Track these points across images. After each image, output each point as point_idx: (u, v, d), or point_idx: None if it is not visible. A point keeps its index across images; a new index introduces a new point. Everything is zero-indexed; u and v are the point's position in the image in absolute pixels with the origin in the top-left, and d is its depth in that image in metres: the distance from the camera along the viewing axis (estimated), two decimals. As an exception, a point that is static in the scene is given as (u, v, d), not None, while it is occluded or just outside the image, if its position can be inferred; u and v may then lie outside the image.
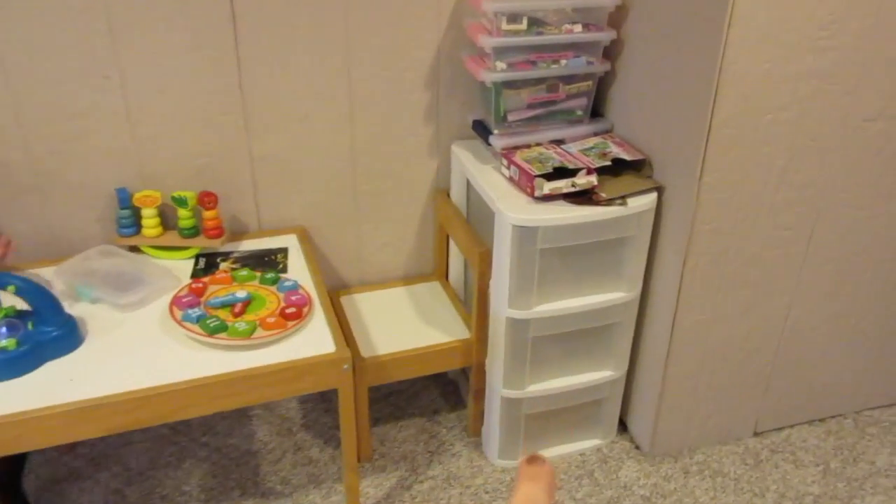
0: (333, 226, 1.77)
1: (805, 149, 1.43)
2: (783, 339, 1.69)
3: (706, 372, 1.67)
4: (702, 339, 1.61)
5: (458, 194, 1.75)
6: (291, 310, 1.40)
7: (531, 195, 1.47)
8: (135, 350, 1.33)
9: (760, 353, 1.69)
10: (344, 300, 1.82)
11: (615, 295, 1.56)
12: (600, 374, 1.67)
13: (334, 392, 1.86)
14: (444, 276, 1.91)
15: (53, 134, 1.48)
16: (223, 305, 1.40)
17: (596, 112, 1.70)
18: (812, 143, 1.43)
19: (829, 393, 1.84)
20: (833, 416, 1.90)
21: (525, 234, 1.43)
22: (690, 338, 1.60)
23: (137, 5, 1.42)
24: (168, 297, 1.44)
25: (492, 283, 1.54)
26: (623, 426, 1.84)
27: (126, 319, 1.41)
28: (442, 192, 1.80)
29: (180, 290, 1.45)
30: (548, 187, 1.45)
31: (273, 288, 1.48)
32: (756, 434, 1.84)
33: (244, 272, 1.51)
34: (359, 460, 1.74)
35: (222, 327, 1.34)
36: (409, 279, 1.90)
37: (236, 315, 1.38)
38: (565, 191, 1.45)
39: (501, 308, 1.52)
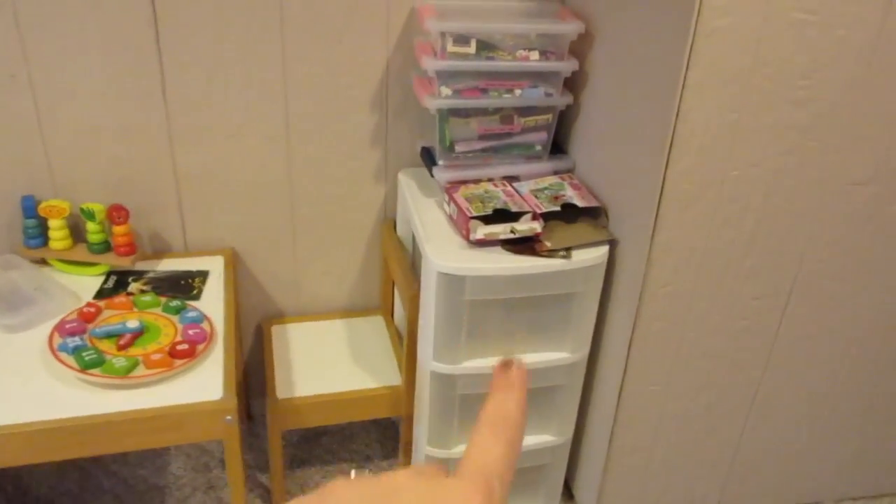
0: (268, 250, 1.63)
1: (779, 211, 1.25)
2: (751, 417, 1.50)
3: (660, 446, 1.48)
4: (654, 411, 1.43)
5: (403, 227, 1.60)
6: (183, 346, 1.26)
7: (466, 238, 1.31)
8: (4, 379, 1.20)
9: (724, 430, 1.50)
10: (276, 330, 1.68)
11: (558, 355, 1.39)
12: (541, 438, 1.50)
13: (262, 424, 1.72)
14: (390, 313, 1.75)
15: (-46, 132, 1.37)
16: (108, 336, 1.27)
17: (560, 148, 1.53)
18: (788, 205, 1.24)
19: (805, 477, 1.64)
20: (809, 504, 1.70)
21: (452, 283, 1.27)
22: (640, 408, 1.42)
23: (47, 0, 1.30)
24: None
25: (419, 331, 1.38)
26: (570, 493, 1.67)
27: (8, 341, 1.29)
28: (389, 222, 1.65)
29: (69, 314, 1.32)
30: (482, 231, 1.29)
31: (175, 318, 1.34)
32: (718, 516, 1.65)
33: (147, 297, 1.38)
34: (273, 507, 1.60)
35: (98, 362, 1.20)
36: (351, 312, 1.75)
37: (120, 348, 1.25)
38: (503, 237, 1.29)
39: (426, 360, 1.36)
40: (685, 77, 1.09)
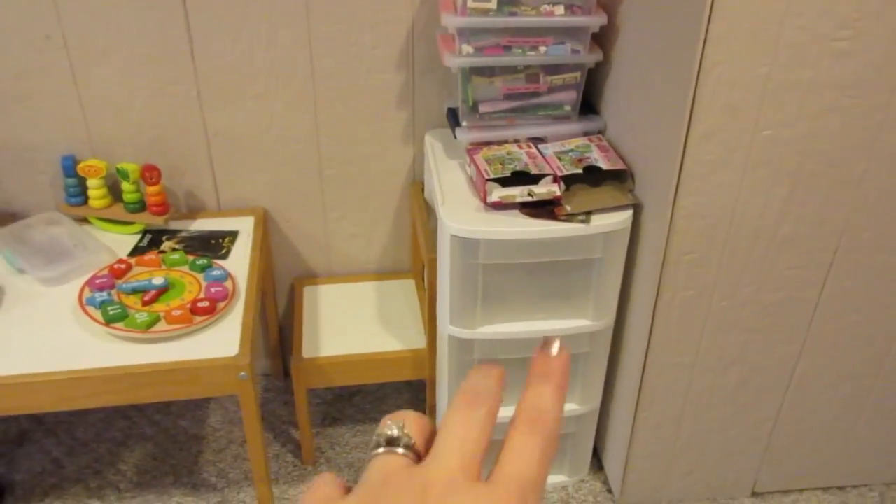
0: (298, 210, 1.64)
1: (817, 177, 1.16)
2: (788, 395, 1.42)
3: (688, 421, 1.43)
4: (681, 385, 1.37)
5: (430, 189, 1.57)
6: (204, 304, 1.29)
7: (484, 201, 1.27)
8: (37, 329, 1.26)
9: (758, 408, 1.43)
10: (307, 290, 1.70)
11: (581, 322, 1.35)
12: (566, 406, 1.47)
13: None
14: (421, 276, 1.74)
15: (-3, 93, 1.43)
16: (135, 291, 1.31)
17: (592, 108, 1.47)
18: (827, 170, 1.15)
19: (849, 459, 1.55)
20: (855, 486, 1.61)
21: (465, 246, 1.24)
22: (665, 380, 1.36)
23: (77, -38, 1.33)
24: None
25: (437, 295, 1.37)
26: (599, 464, 1.64)
27: (45, 294, 1.35)
28: (417, 184, 1.63)
29: (101, 270, 1.37)
30: (498, 194, 1.25)
31: (200, 276, 1.38)
32: (754, 494, 1.58)
33: (176, 255, 1.42)
34: (302, 462, 1.64)
35: (121, 316, 1.25)
36: (382, 274, 1.75)
37: (145, 304, 1.29)
38: (519, 199, 1.25)
39: (444, 325, 1.35)
40: (707, 28, 1.02)
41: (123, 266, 1.37)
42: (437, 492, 0.28)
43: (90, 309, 1.27)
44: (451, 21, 1.28)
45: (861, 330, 1.35)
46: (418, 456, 0.31)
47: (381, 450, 0.30)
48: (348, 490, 0.30)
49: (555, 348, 0.33)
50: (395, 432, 0.31)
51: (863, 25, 1.03)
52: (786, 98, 1.08)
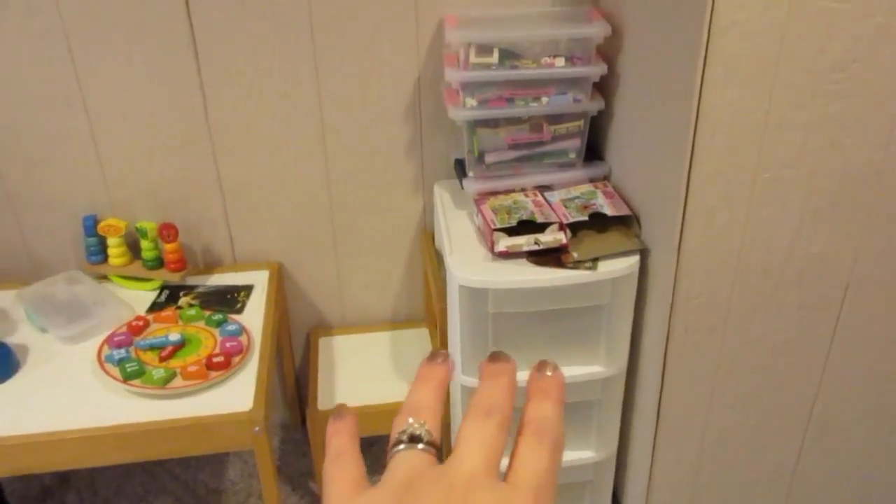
0: (311, 261, 1.67)
1: (822, 214, 1.16)
2: (808, 436, 1.39)
3: (707, 464, 1.41)
4: (696, 427, 1.36)
5: (440, 239, 1.60)
6: (219, 358, 1.31)
7: (491, 250, 1.29)
8: (57, 388, 1.29)
9: (778, 449, 1.41)
10: (322, 341, 1.72)
11: (593, 368, 1.35)
12: (583, 454, 1.46)
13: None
14: (435, 325, 1.75)
15: (21, 156, 1.49)
16: (152, 348, 1.34)
17: (597, 154, 1.49)
18: (831, 208, 1.15)
19: (873, 501, 1.51)
20: (886, 530, 1.56)
21: (474, 296, 1.26)
22: (681, 424, 1.35)
23: (96, 30, 1.39)
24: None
25: (449, 344, 1.38)
26: (620, 511, 1.61)
27: (65, 352, 1.38)
28: (428, 234, 1.65)
29: (120, 327, 1.40)
30: (505, 243, 1.27)
31: (216, 331, 1.40)
32: (782, 540, 1.54)
33: (192, 311, 1.45)
34: (320, 515, 1.63)
35: (138, 373, 1.27)
36: (396, 324, 1.77)
37: (162, 359, 1.31)
38: (526, 248, 1.27)
39: (456, 374, 1.36)
40: (703, 75, 1.04)
41: (141, 323, 1.40)
42: (462, 489, 0.30)
43: (109, 366, 1.30)
44: (454, 76, 1.32)
45: (878, 367, 1.33)
46: (437, 449, 0.32)
47: (402, 447, 0.32)
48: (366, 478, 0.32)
49: (549, 371, 0.36)
50: (416, 430, 0.32)
51: (857, 67, 1.05)
52: (785, 139, 1.09)
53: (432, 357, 0.37)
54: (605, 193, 1.37)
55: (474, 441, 0.32)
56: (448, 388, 0.36)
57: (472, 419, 0.33)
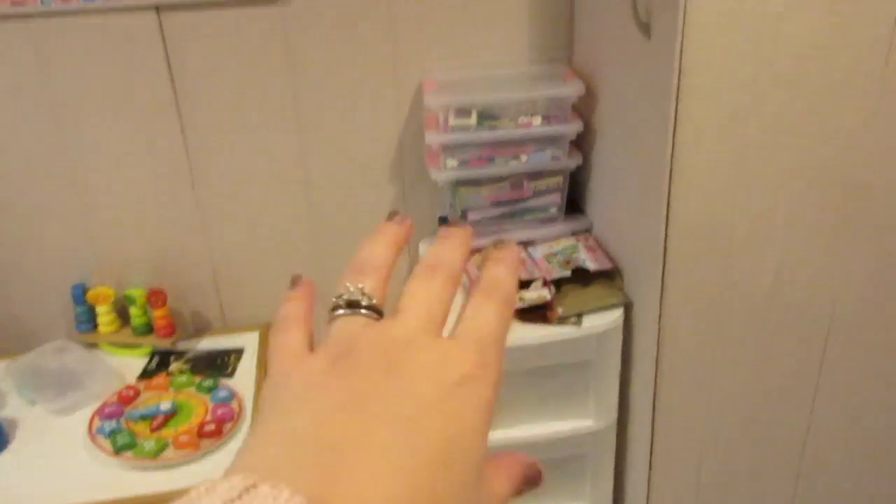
0: (302, 322, 1.68)
1: (801, 261, 1.18)
2: (801, 480, 1.40)
3: (703, 515, 1.41)
4: (690, 478, 1.36)
5: (428, 294, 1.61)
6: (210, 427, 1.31)
7: (477, 307, 1.30)
8: (48, 461, 1.29)
9: (774, 496, 1.40)
10: (314, 400, 1.71)
11: (581, 423, 1.35)
12: (578, 507, 1.46)
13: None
14: (426, 378, 1.76)
15: (9, 228, 1.50)
16: (143, 417, 1.34)
17: (578, 207, 1.51)
18: (809, 254, 1.18)
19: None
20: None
21: (461, 354, 1.26)
22: (673, 476, 1.35)
23: (83, 101, 1.42)
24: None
25: (439, 401, 1.38)
26: (619, 563, 1.60)
27: (56, 425, 1.38)
28: (416, 289, 1.67)
29: (110, 397, 1.40)
30: (490, 301, 1.28)
31: (207, 397, 1.40)
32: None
33: (183, 377, 1.45)
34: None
35: (130, 445, 1.27)
36: (387, 379, 1.77)
37: (153, 429, 1.31)
38: (511, 305, 1.28)
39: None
40: (674, 133, 1.07)
41: (132, 392, 1.40)
42: (401, 348, 0.28)
43: (100, 438, 1.29)
44: (434, 138, 1.35)
45: (864, 411, 1.34)
46: (379, 314, 0.31)
47: (341, 311, 0.31)
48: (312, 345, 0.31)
49: (503, 245, 0.35)
50: (354, 295, 0.31)
51: (824, 119, 1.08)
52: (758, 193, 1.12)
53: (390, 216, 0.35)
54: (587, 247, 1.39)
55: (418, 297, 0.31)
56: (402, 248, 0.35)
57: (418, 276, 0.32)
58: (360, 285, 0.31)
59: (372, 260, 0.34)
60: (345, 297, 0.31)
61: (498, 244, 0.35)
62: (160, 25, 1.36)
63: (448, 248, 0.33)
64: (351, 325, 0.30)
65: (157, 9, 1.35)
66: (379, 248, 0.34)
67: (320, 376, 0.28)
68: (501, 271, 0.33)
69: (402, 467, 0.25)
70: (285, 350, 0.31)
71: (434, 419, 0.26)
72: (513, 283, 0.33)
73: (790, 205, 1.13)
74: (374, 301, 0.31)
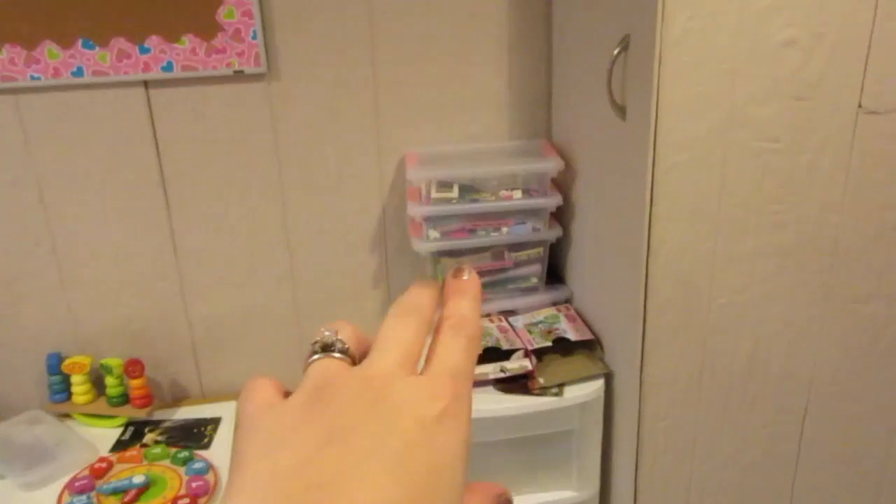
0: (281, 391, 1.66)
1: (777, 337, 1.20)
2: (785, 554, 1.39)
3: (687, 591, 1.38)
4: (674, 553, 1.34)
5: (409, 363, 1.61)
6: (185, 501, 1.28)
7: (459, 378, 1.30)
8: (14, 540, 1.24)
9: (757, 570, 1.39)
10: (292, 472, 1.68)
11: (564, 494, 1.34)
12: (560, 582, 1.43)
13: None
14: (406, 448, 1.73)
15: (-14, 298, 1.49)
16: (115, 492, 1.30)
17: (559, 277, 1.53)
18: (785, 329, 1.20)
19: None
20: None
21: (443, 426, 1.25)
22: (658, 551, 1.33)
23: (67, 173, 1.43)
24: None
25: (420, 474, 1.36)
26: None
27: (25, 500, 1.33)
28: (397, 357, 1.66)
29: (82, 471, 1.36)
30: (472, 372, 1.28)
31: (181, 469, 1.37)
32: None
33: (158, 449, 1.42)
34: None
35: (100, 522, 1.23)
36: (367, 449, 1.74)
37: (125, 505, 1.28)
38: (493, 376, 1.28)
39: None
40: (651, 212, 1.10)
41: (105, 464, 1.37)
42: (378, 384, 0.29)
43: (69, 515, 1.25)
44: (416, 210, 1.37)
45: (845, 481, 1.34)
46: (354, 361, 0.31)
47: (317, 356, 0.31)
48: (287, 394, 0.30)
49: (466, 275, 0.35)
50: (330, 339, 0.32)
51: (794, 199, 1.12)
52: (735, 267, 1.15)
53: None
54: (568, 317, 1.41)
55: (391, 339, 0.31)
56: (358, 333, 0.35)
57: (392, 318, 0.33)
58: (335, 332, 0.32)
59: (342, 322, 0.34)
60: (320, 342, 0.32)
61: (457, 273, 0.36)
62: (148, 100, 1.39)
63: (422, 294, 0.34)
64: (327, 365, 0.31)
65: (146, 84, 1.38)
66: (343, 322, 0.35)
67: (299, 413, 0.28)
68: (465, 305, 0.34)
69: (393, 501, 0.25)
70: (258, 395, 0.31)
71: (420, 454, 0.27)
72: (477, 317, 0.34)
73: (765, 280, 1.16)
74: (349, 347, 0.32)
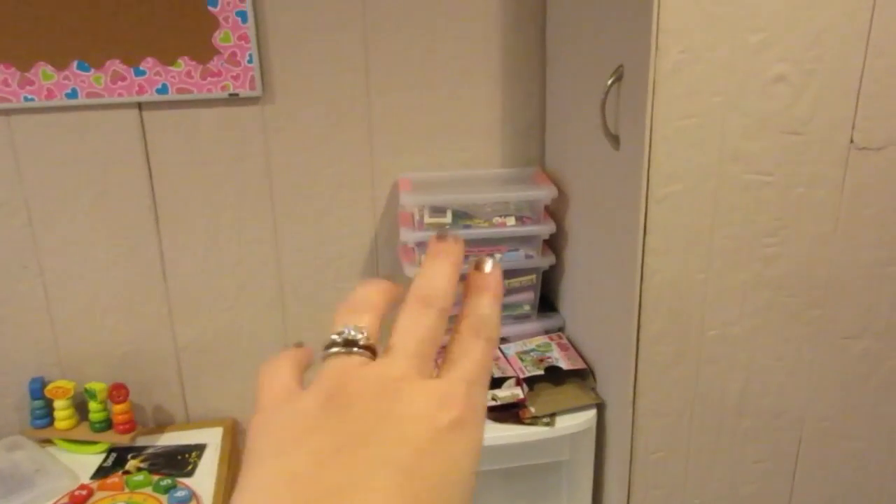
0: (268, 418, 1.64)
1: (768, 369, 1.20)
2: (778, 591, 1.36)
3: None
4: (665, 589, 1.32)
5: (398, 390, 1.59)
6: (166, 531, 1.25)
7: (449, 407, 1.29)
8: (-11, 570, 1.21)
9: None
10: (277, 501, 1.65)
11: (554, 527, 1.32)
12: None
13: None
14: (394, 477, 1.71)
15: (-31, 320, 1.46)
16: (95, 521, 1.27)
17: (551, 305, 1.53)
18: (777, 363, 1.19)
19: None
20: None
21: (432, 457, 1.24)
22: (649, 587, 1.31)
23: (57, 195, 1.41)
24: (51, 504, 1.33)
25: None
26: None
27: (1, 528, 1.30)
28: (386, 385, 1.64)
29: (60, 499, 1.33)
30: (462, 401, 1.27)
31: (164, 498, 1.34)
32: None
33: (140, 476, 1.39)
34: None
35: (78, 552, 1.20)
36: (354, 478, 1.71)
37: (105, 534, 1.25)
38: (484, 406, 1.27)
39: None
40: (644, 242, 1.10)
41: (85, 492, 1.34)
42: (393, 387, 0.29)
43: (46, 544, 1.22)
44: (409, 236, 1.37)
45: (839, 518, 1.33)
46: (374, 354, 0.31)
47: (335, 349, 0.31)
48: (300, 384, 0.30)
49: (488, 266, 0.35)
50: (352, 335, 0.31)
51: (786, 233, 1.12)
52: (726, 299, 1.14)
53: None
54: (560, 346, 1.40)
55: (408, 336, 0.31)
56: (393, 300, 0.34)
57: (411, 309, 0.32)
58: (356, 323, 0.32)
59: (367, 300, 0.34)
60: (343, 335, 0.31)
61: (479, 265, 0.35)
62: (142, 122, 1.38)
63: (439, 276, 0.33)
64: (344, 365, 0.30)
65: (140, 106, 1.37)
66: (372, 291, 0.34)
67: (314, 416, 0.29)
68: (486, 303, 0.33)
69: None
70: (276, 382, 0.31)
71: (430, 463, 0.27)
72: (497, 317, 0.34)
73: (757, 313, 1.15)
74: (370, 341, 0.31)
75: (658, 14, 0.99)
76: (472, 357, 0.31)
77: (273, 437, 0.28)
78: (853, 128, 1.08)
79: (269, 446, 0.28)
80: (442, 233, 0.35)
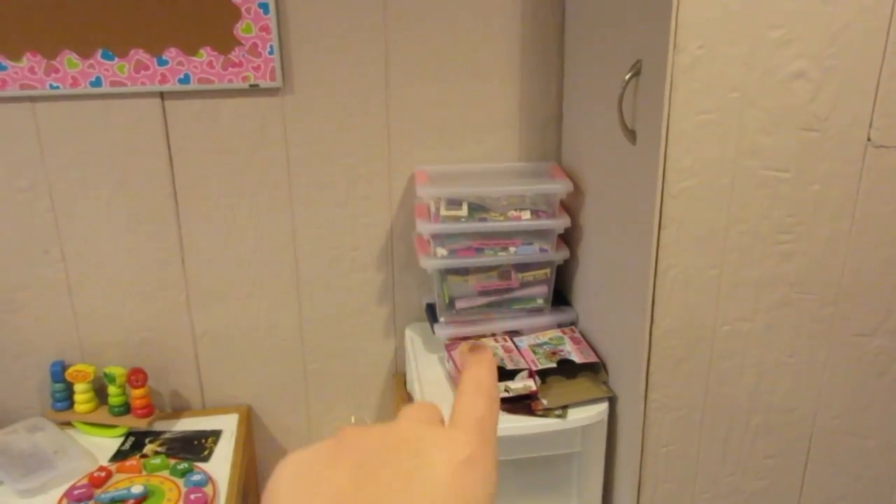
0: (282, 406, 1.66)
1: (780, 365, 1.20)
2: (786, 587, 1.37)
3: None
4: (674, 582, 1.33)
5: (411, 383, 1.60)
6: (183, 513, 1.27)
7: (462, 397, 1.30)
8: (10, 547, 1.24)
9: None
10: (290, 487, 1.67)
11: (564, 519, 1.33)
12: None
13: None
14: (406, 467, 1.72)
15: (-7, 303, 1.49)
16: (113, 502, 1.30)
17: (564, 299, 1.54)
18: (789, 359, 1.20)
19: None
20: None
21: (445, 446, 1.25)
22: (658, 580, 1.32)
23: (79, 181, 1.44)
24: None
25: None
26: None
27: (22, 507, 1.33)
28: (399, 376, 1.66)
29: (80, 479, 1.36)
30: (475, 392, 1.28)
31: (180, 481, 1.37)
32: None
33: (157, 460, 1.41)
34: None
35: (97, 531, 1.22)
36: (366, 467, 1.73)
37: (123, 515, 1.27)
38: (496, 396, 1.28)
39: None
40: (659, 236, 1.10)
41: (103, 474, 1.36)
42: (405, 431, 0.31)
43: (66, 523, 1.25)
44: (425, 228, 1.38)
45: (850, 516, 1.33)
46: None
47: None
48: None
49: (481, 350, 0.38)
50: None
51: (801, 229, 1.12)
52: (740, 295, 1.15)
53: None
54: (573, 339, 1.41)
55: (410, 409, 0.34)
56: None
57: (408, 409, 0.35)
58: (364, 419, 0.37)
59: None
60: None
61: (474, 349, 0.38)
62: (164, 111, 1.40)
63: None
64: (351, 428, 0.34)
65: (162, 95, 1.39)
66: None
67: (326, 455, 0.31)
68: (484, 372, 0.37)
69: None
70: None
71: (449, 494, 0.28)
72: (495, 382, 0.37)
73: (770, 309, 1.16)
74: None
75: (677, 9, 0.99)
76: (477, 407, 0.34)
77: (289, 485, 0.31)
78: (870, 125, 1.08)
79: (286, 497, 0.30)
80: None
